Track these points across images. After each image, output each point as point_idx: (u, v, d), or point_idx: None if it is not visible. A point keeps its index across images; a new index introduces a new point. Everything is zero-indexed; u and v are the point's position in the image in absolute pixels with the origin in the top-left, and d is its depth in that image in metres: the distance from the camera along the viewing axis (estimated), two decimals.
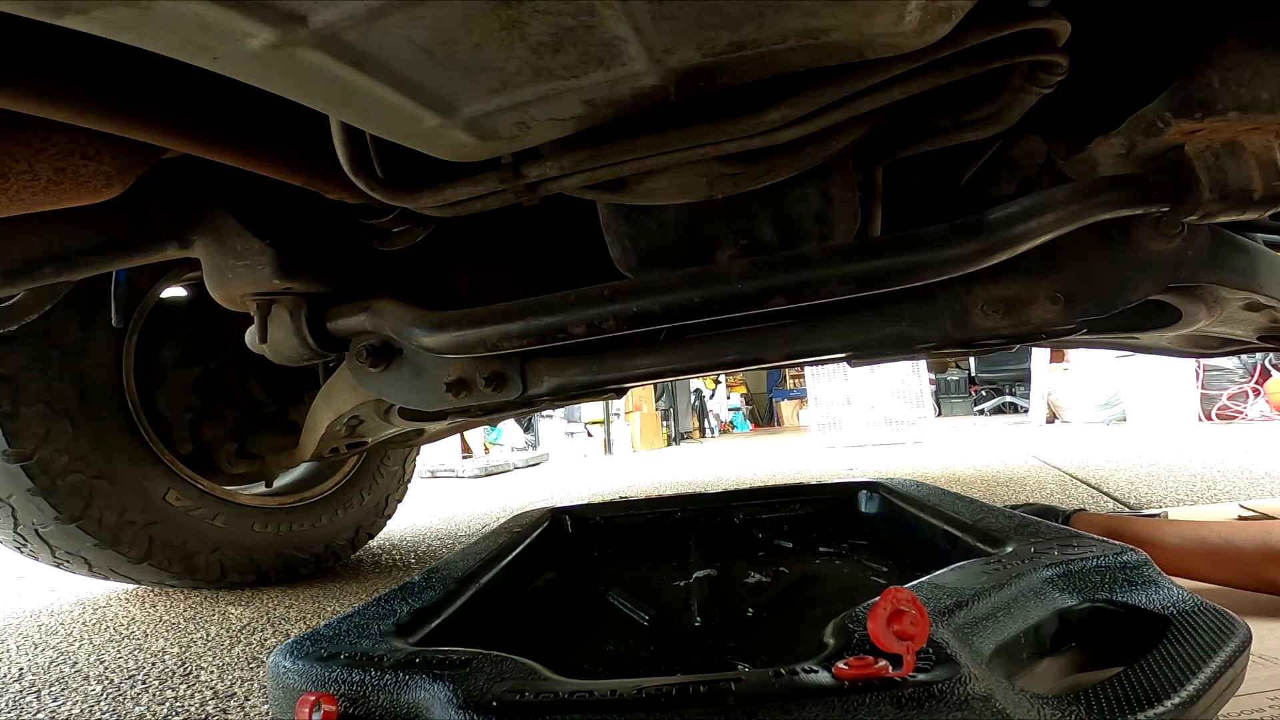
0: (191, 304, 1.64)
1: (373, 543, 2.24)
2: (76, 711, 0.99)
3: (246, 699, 1.00)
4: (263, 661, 1.16)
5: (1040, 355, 5.69)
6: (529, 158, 0.68)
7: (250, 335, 0.97)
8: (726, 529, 1.29)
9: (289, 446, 1.62)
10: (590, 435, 7.05)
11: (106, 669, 1.17)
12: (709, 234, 0.79)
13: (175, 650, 1.25)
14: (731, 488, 2.00)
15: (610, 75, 0.49)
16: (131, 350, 1.48)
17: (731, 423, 9.82)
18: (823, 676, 0.47)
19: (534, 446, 6.54)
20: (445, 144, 0.58)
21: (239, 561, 1.64)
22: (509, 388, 0.97)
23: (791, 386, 10.51)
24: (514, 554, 1.02)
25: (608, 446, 6.96)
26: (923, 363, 5.10)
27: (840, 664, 0.47)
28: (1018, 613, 0.60)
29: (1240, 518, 1.38)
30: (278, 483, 1.80)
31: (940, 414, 8.37)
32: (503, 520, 1.23)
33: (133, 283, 1.39)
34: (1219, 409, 4.74)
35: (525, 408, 1.47)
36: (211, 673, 1.12)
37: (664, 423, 7.77)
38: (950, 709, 0.43)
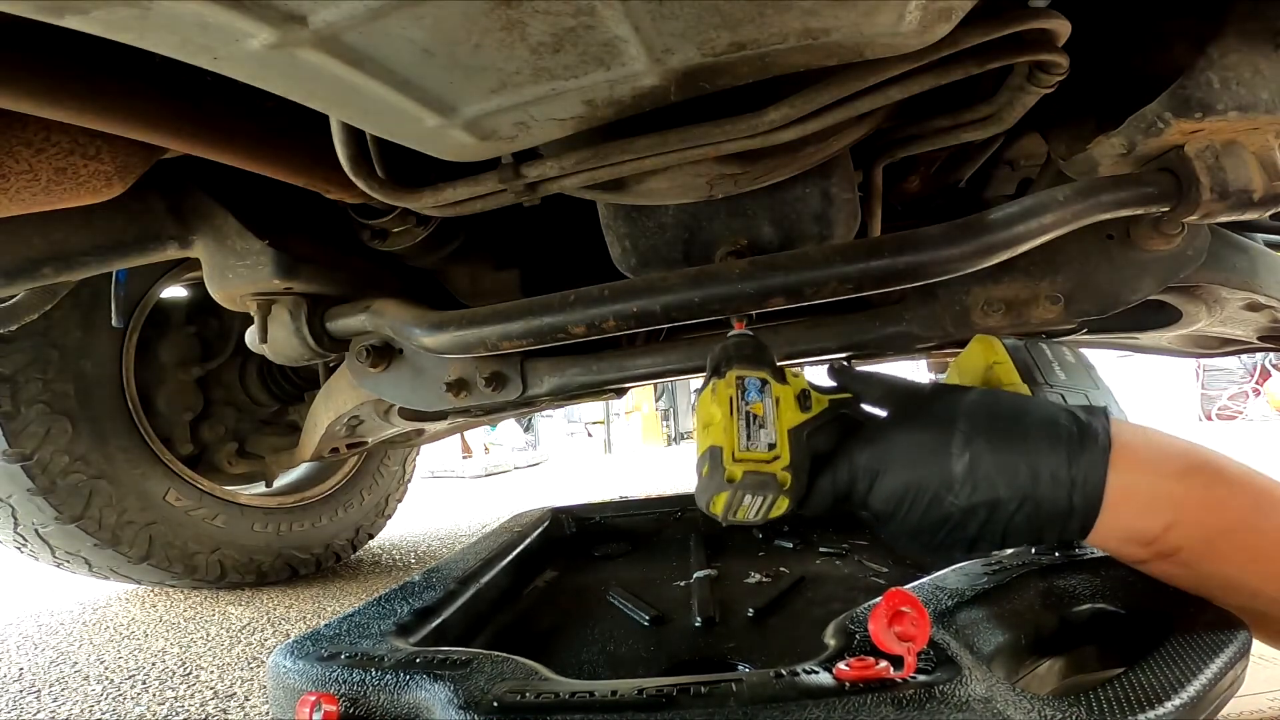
0: (191, 304, 1.64)
1: (373, 543, 2.24)
2: (76, 711, 0.99)
3: (246, 699, 1.00)
4: (263, 661, 1.16)
5: None
6: (529, 157, 0.68)
7: (250, 335, 0.97)
8: (726, 528, 1.28)
9: (289, 446, 1.62)
10: (590, 435, 7.06)
11: (106, 669, 1.16)
12: (709, 234, 0.79)
13: (175, 650, 1.24)
14: None
15: (610, 75, 0.49)
16: (131, 350, 1.48)
17: None
18: (824, 678, 0.47)
19: (534, 447, 6.55)
20: (445, 144, 0.58)
21: (239, 561, 1.64)
22: (509, 388, 0.97)
23: None
24: (514, 554, 1.02)
25: (608, 446, 6.96)
26: (923, 362, 5.10)
27: (841, 665, 0.47)
28: (1018, 613, 0.60)
29: None
30: (278, 483, 1.80)
31: None
32: (503, 520, 1.23)
33: (133, 283, 1.39)
34: (1219, 409, 4.75)
35: (525, 408, 1.47)
36: (211, 673, 1.12)
37: (664, 423, 7.78)
38: (951, 710, 0.42)
